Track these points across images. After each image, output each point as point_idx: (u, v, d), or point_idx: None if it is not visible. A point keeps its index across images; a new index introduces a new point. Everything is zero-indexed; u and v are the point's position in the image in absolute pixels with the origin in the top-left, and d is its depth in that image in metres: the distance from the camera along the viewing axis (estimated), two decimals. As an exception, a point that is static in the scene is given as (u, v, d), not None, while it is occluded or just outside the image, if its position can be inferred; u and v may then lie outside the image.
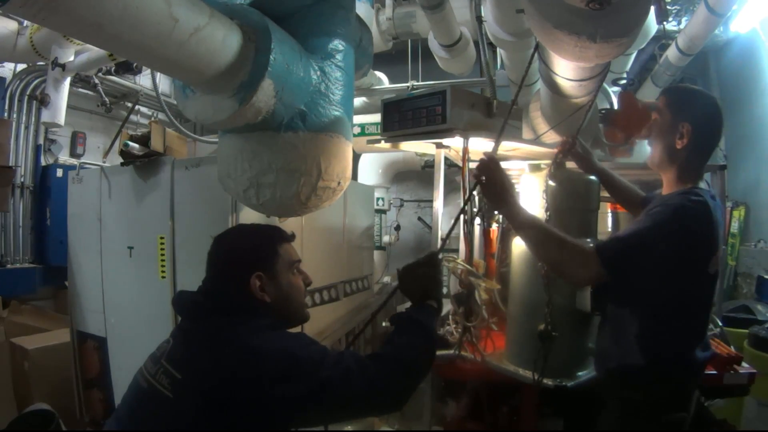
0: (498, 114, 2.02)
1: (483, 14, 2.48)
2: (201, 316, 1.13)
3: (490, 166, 1.44)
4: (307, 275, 1.31)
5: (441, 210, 2.25)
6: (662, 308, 1.39)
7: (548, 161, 1.95)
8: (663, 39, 4.00)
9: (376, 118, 3.35)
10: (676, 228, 1.33)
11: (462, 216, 2.13)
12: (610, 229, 2.97)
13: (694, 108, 1.46)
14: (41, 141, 4.33)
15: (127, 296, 2.42)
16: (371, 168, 4.70)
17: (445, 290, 3.99)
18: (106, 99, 4.40)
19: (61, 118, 3.66)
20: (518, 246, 2.02)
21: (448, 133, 1.96)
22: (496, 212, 2.33)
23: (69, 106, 3.79)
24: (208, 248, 1.26)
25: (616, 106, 2.64)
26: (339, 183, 1.63)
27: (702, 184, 1.49)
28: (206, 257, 1.24)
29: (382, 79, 4.43)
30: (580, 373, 1.86)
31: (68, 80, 3.61)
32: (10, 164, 3.59)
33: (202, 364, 1.02)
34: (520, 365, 1.92)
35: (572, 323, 1.73)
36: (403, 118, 2.08)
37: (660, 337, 1.41)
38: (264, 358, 1.00)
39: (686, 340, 1.42)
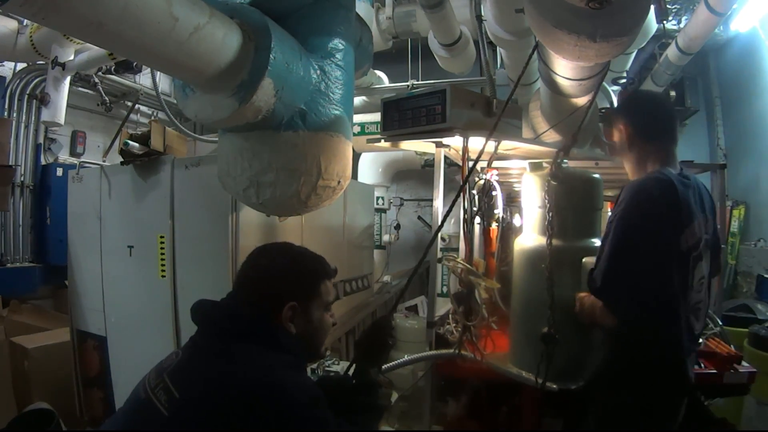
0: (498, 113, 2.02)
1: (483, 13, 2.47)
2: (215, 333, 1.08)
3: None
4: (334, 315, 1.26)
5: (441, 209, 2.25)
6: (636, 288, 1.41)
7: (549, 159, 1.94)
8: (663, 38, 3.99)
9: (376, 117, 3.35)
10: (633, 212, 1.43)
11: (462, 215, 2.14)
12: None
13: (626, 108, 1.70)
14: (41, 140, 4.34)
15: (127, 295, 2.42)
16: (371, 167, 4.70)
17: (444, 289, 4.01)
18: (106, 98, 4.41)
19: (61, 117, 3.66)
20: (520, 247, 2.00)
21: (447, 132, 1.96)
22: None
23: (69, 105, 3.79)
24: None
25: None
26: (339, 182, 1.63)
27: (672, 168, 1.54)
28: (241, 266, 1.19)
29: (382, 78, 4.43)
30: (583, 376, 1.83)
31: (68, 79, 3.61)
32: (10, 163, 3.60)
33: (203, 390, 0.97)
34: (523, 368, 1.90)
35: (576, 325, 1.71)
36: (402, 117, 2.08)
37: (633, 326, 1.43)
38: (266, 398, 0.95)
39: (662, 327, 1.43)
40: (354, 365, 1.33)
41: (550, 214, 1.77)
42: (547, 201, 1.79)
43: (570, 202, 1.84)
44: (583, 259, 1.77)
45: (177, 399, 0.97)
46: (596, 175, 1.93)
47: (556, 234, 1.79)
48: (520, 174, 2.93)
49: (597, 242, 1.88)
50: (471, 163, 1.92)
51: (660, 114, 1.64)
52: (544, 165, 1.99)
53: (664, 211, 1.40)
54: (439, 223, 2.20)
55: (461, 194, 1.98)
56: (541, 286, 1.75)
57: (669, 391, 1.45)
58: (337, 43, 1.56)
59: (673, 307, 1.43)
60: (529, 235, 1.98)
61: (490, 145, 2.08)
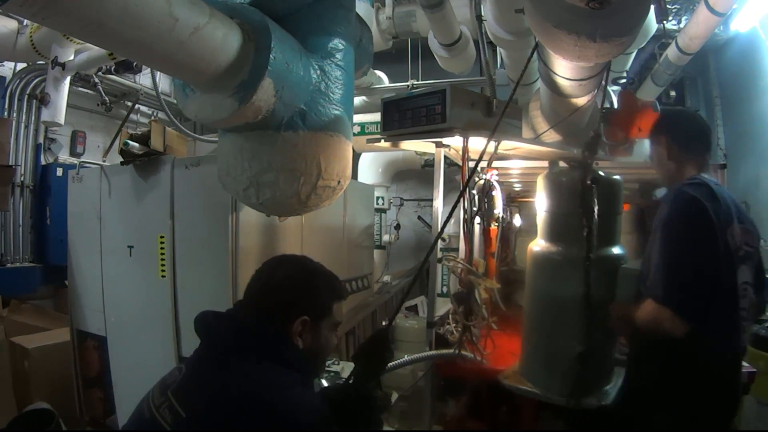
0: (498, 113, 2.01)
1: (483, 13, 2.47)
2: (219, 347, 1.05)
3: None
4: (338, 337, 1.25)
5: (441, 209, 2.25)
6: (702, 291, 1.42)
7: (569, 159, 1.84)
8: (663, 38, 3.99)
9: (376, 117, 3.36)
10: (682, 216, 1.46)
11: (462, 215, 2.14)
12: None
13: (667, 122, 1.77)
14: (41, 140, 4.34)
15: (127, 295, 2.42)
16: (371, 167, 4.70)
17: (444, 289, 4.01)
18: (106, 98, 4.40)
19: (61, 117, 3.66)
20: (534, 254, 1.88)
21: (447, 132, 1.96)
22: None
23: (69, 105, 3.79)
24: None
25: (616, 106, 2.64)
26: (339, 182, 1.63)
27: (707, 175, 1.60)
28: (255, 275, 1.17)
29: (382, 78, 4.43)
30: (606, 388, 1.78)
31: (68, 79, 3.61)
32: (10, 163, 3.59)
33: (209, 409, 0.95)
34: (537, 382, 1.81)
35: (599, 336, 1.66)
36: (402, 117, 2.08)
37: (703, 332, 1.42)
38: (274, 419, 0.93)
39: (729, 331, 1.46)
40: (352, 379, 1.32)
41: (595, 219, 1.68)
42: (583, 205, 1.69)
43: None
44: (622, 266, 1.69)
45: (183, 418, 0.95)
46: (617, 177, 1.85)
47: (573, 241, 1.70)
48: (521, 174, 2.93)
49: (616, 250, 1.78)
50: (472, 165, 1.91)
51: (697, 124, 1.75)
52: (561, 165, 1.90)
53: (711, 213, 1.45)
54: (441, 224, 2.21)
55: (463, 196, 1.97)
56: (558, 297, 1.67)
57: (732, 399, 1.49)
58: (337, 43, 1.56)
59: (735, 310, 1.47)
60: (548, 241, 1.86)
61: (491, 145, 2.08)
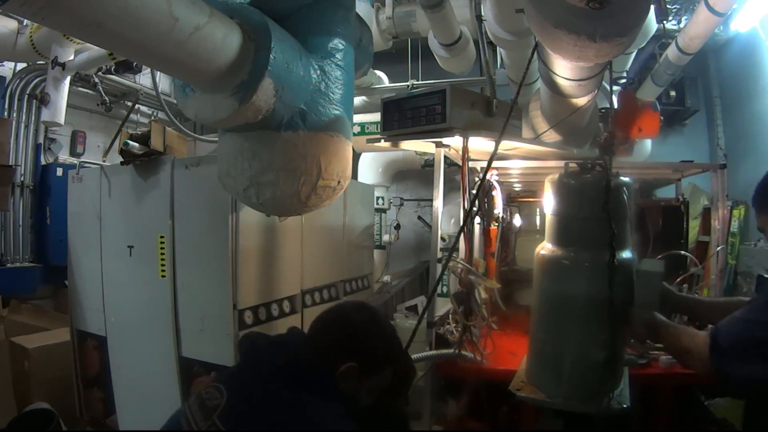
0: (498, 113, 2.02)
1: (483, 13, 2.48)
2: (270, 376, 1.05)
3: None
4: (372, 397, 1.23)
5: (441, 209, 2.25)
6: None
7: (580, 160, 1.72)
8: (663, 38, 4.00)
9: (376, 117, 3.35)
10: None
11: (462, 215, 2.14)
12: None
13: None
14: (41, 140, 4.33)
15: (127, 295, 2.42)
16: (371, 167, 4.70)
17: (444, 289, 4.00)
18: (106, 98, 4.40)
19: (61, 117, 3.66)
20: (542, 257, 1.76)
21: (447, 132, 1.97)
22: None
23: (69, 105, 3.79)
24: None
25: (616, 105, 2.64)
26: (339, 182, 1.63)
27: None
28: (330, 310, 1.20)
29: (382, 78, 4.44)
30: (620, 390, 1.69)
31: (68, 79, 3.61)
32: (10, 163, 3.59)
33: None
34: (558, 395, 1.70)
35: (618, 340, 1.60)
36: (402, 117, 2.09)
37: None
38: None
39: None
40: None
41: (614, 225, 1.51)
42: (611, 210, 1.52)
43: (599, 209, 1.55)
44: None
45: None
46: (627, 179, 1.69)
47: (594, 246, 1.58)
48: (520, 174, 2.93)
49: (625, 254, 1.64)
50: (472, 165, 1.90)
51: None
52: (570, 165, 1.74)
53: None
54: (440, 224, 2.21)
55: (472, 196, 1.96)
56: (576, 303, 1.60)
57: None
58: (337, 43, 1.56)
59: None
60: (565, 247, 1.72)
61: (490, 145, 2.08)
